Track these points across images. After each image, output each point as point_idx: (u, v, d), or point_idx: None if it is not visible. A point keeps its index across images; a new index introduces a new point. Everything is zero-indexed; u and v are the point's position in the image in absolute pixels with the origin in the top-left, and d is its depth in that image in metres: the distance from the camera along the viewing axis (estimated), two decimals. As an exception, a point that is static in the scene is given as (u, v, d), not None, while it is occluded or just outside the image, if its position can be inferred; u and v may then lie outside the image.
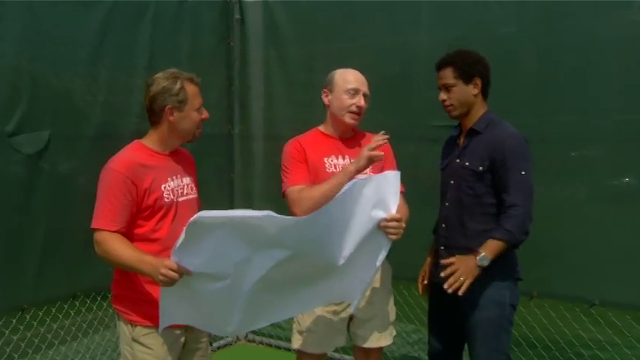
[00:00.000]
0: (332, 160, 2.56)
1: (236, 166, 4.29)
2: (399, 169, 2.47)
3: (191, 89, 2.26)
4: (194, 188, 2.39)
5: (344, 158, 2.58)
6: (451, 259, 2.37)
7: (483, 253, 2.35)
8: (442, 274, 2.35)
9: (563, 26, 3.05)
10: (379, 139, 2.38)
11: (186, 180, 2.35)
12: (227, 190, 4.27)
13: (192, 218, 1.93)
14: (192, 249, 1.97)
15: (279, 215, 1.99)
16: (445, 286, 2.32)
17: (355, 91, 2.56)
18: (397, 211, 2.22)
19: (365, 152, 2.38)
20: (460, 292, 2.31)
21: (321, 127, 2.68)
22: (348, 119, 2.57)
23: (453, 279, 2.32)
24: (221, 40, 4.14)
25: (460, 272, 2.33)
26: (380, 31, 3.59)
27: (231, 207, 4.21)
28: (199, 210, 2.28)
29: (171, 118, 2.25)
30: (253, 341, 4.36)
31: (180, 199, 2.29)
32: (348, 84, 2.56)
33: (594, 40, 2.98)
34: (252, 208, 3.94)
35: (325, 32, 3.83)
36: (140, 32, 3.57)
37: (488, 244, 2.37)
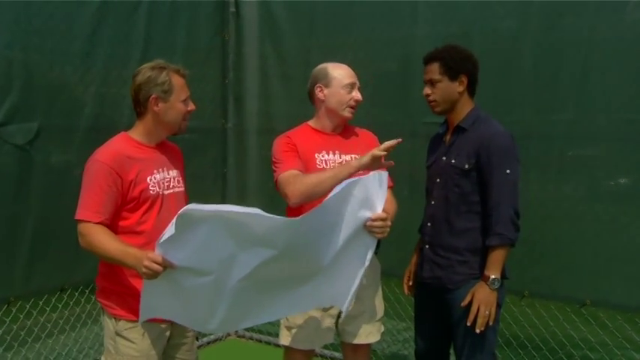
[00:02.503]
0: (323, 156, 2.60)
1: (229, 160, 4.33)
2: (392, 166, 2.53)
3: (177, 80, 2.30)
4: (181, 181, 2.43)
5: (334, 154, 2.62)
6: (467, 300, 2.43)
7: (492, 276, 2.42)
8: (468, 323, 2.40)
9: (563, 23, 3.09)
10: (393, 142, 2.36)
11: (173, 173, 2.39)
12: (220, 184, 4.32)
13: (181, 210, 1.95)
14: (178, 242, 1.99)
15: (268, 214, 2.01)
16: (477, 330, 2.39)
17: (352, 86, 2.63)
18: (383, 210, 2.26)
19: (374, 151, 2.36)
20: (491, 322, 2.41)
21: (311, 123, 2.72)
22: (348, 113, 2.63)
23: (481, 320, 2.39)
24: (216, 34, 4.19)
25: (482, 309, 2.41)
26: (378, 25, 3.63)
27: (224, 201, 4.25)
28: (187, 203, 2.34)
29: (155, 108, 2.29)
30: (243, 336, 4.42)
31: (167, 192, 2.33)
32: (345, 78, 2.62)
33: (595, 38, 3.01)
34: (245, 203, 4.10)
35: (322, 26, 3.87)
36: (134, 24, 3.62)
37: (490, 260, 2.43)
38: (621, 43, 2.96)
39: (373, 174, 2.24)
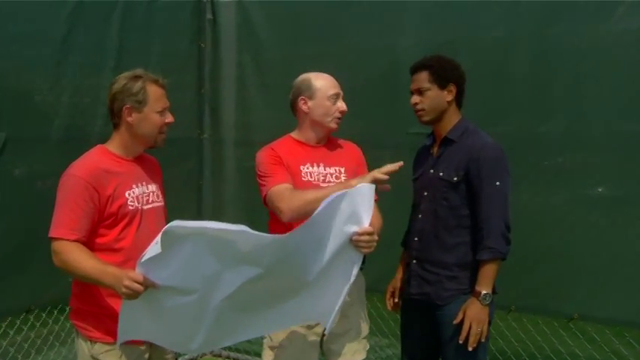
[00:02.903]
0: (308, 169, 2.58)
1: (205, 172, 4.26)
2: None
3: (153, 90, 2.25)
4: (160, 196, 2.39)
5: (318, 166, 2.59)
6: (459, 318, 2.41)
7: (484, 291, 2.40)
8: (460, 341, 2.38)
9: (553, 32, 3.11)
10: (395, 167, 2.33)
11: (152, 187, 2.35)
12: (195, 197, 4.25)
13: (165, 227, 1.91)
14: (161, 261, 1.96)
15: (254, 231, 1.98)
16: (469, 348, 2.37)
17: (337, 96, 2.60)
18: (370, 224, 2.23)
19: (375, 173, 2.34)
20: (483, 339, 2.40)
21: (294, 134, 2.69)
22: (333, 124, 2.61)
23: (472, 338, 2.37)
24: (192, 41, 4.14)
25: (475, 326, 2.38)
26: (361, 34, 3.62)
27: (200, 216, 4.19)
28: (166, 218, 2.29)
29: (129, 119, 2.24)
30: (220, 355, 4.33)
31: (146, 207, 2.29)
32: (330, 89, 2.60)
33: (585, 46, 3.05)
34: (222, 218, 4.04)
35: (303, 35, 3.84)
36: (107, 31, 3.55)
37: (481, 275, 2.42)
38: (612, 51, 2.99)
39: (360, 186, 2.22)
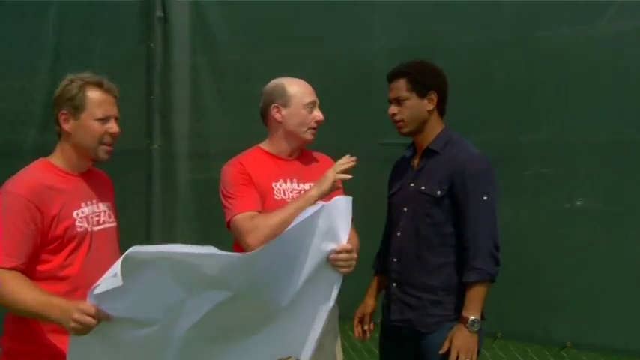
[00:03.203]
0: (280, 185, 2.58)
1: (154, 188, 4.22)
2: (345, 194, 2.52)
3: (95, 95, 2.22)
4: (112, 216, 2.37)
5: (292, 182, 2.60)
6: (445, 347, 2.44)
7: (471, 317, 2.43)
8: None
9: (536, 36, 3.22)
10: (346, 161, 2.40)
11: (103, 206, 2.32)
12: (143, 216, 4.22)
13: (124, 254, 1.88)
14: (116, 290, 1.91)
15: (222, 252, 1.99)
16: None
17: (313, 104, 2.63)
18: (348, 240, 2.26)
19: (330, 174, 2.41)
20: None
21: (264, 146, 2.68)
22: (309, 135, 2.62)
23: None
24: (140, 41, 4.13)
25: (463, 355, 2.42)
26: (328, 37, 3.67)
27: (148, 238, 4.15)
28: (119, 241, 2.27)
29: (66, 126, 2.22)
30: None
31: (96, 229, 2.25)
32: (306, 96, 2.61)
33: (570, 52, 3.16)
34: (173, 238, 3.99)
35: (265, 36, 3.88)
36: (42, 29, 3.50)
37: (468, 299, 2.45)
38: (599, 57, 3.11)
39: (337, 200, 2.23)
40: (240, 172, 2.55)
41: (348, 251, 2.23)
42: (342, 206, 2.22)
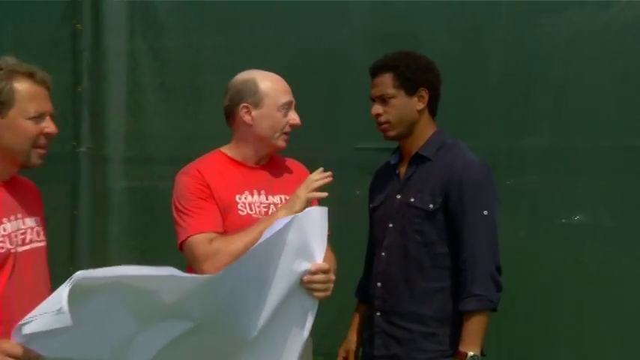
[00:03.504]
0: (246, 198, 2.52)
1: (82, 198, 4.14)
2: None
3: (25, 88, 2.16)
4: (41, 233, 2.31)
5: (259, 194, 2.55)
6: None
7: (470, 353, 2.40)
8: None
9: (538, 24, 3.23)
10: (320, 177, 2.41)
11: (30, 222, 2.26)
12: (67, 233, 4.14)
13: (71, 282, 1.82)
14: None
15: (184, 274, 1.97)
16: None
17: (289, 105, 2.59)
18: (324, 260, 2.24)
19: (302, 193, 2.41)
20: None
21: (227, 150, 2.62)
22: (282, 142, 2.58)
23: None
24: (64, 21, 4.04)
25: None
26: (293, 22, 3.65)
27: (72, 258, 4.10)
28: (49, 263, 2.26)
29: None
30: None
31: (21, 249, 2.18)
32: (281, 96, 2.55)
33: (576, 43, 3.18)
34: (105, 261, 3.88)
35: (218, 20, 3.84)
36: None
37: (466, 331, 2.42)
38: (609, 49, 3.12)
39: (310, 211, 2.23)
40: (199, 183, 2.48)
41: (324, 272, 2.22)
42: (316, 218, 2.20)
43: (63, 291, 1.80)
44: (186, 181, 2.50)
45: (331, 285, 2.25)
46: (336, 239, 3.14)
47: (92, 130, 4.10)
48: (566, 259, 3.22)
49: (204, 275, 2.13)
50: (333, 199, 3.33)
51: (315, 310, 2.25)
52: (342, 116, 3.49)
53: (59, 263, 4.00)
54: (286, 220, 2.15)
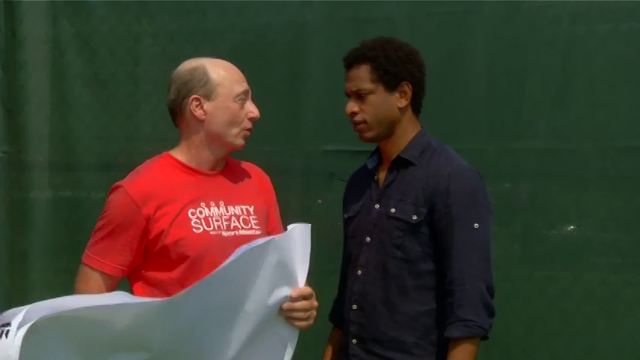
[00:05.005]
0: (201, 213, 2.51)
1: None
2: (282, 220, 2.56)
3: None
4: None
5: (218, 206, 2.55)
6: None
7: None
8: None
9: (534, 8, 3.29)
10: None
11: None
12: None
13: (18, 320, 1.87)
14: None
15: (136, 299, 2.04)
16: None
17: (246, 94, 2.57)
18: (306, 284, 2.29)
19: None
20: None
21: (176, 154, 2.60)
22: (241, 140, 2.58)
23: None
24: None
25: None
26: (246, 3, 3.65)
27: None
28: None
29: None
30: None
31: None
32: (236, 85, 2.55)
33: (578, 31, 3.23)
34: (28, 283, 3.83)
35: (160, 2, 3.81)
36: None
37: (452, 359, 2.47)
38: (615, 36, 3.20)
39: (293, 228, 2.25)
40: (129, 207, 2.46)
41: (306, 297, 2.26)
42: (298, 237, 2.24)
43: (14, 335, 1.85)
44: (113, 201, 2.50)
45: (314, 312, 2.30)
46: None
47: (9, 131, 4.06)
48: (568, 278, 3.26)
49: (160, 299, 2.13)
50: (296, 210, 3.42)
51: (295, 342, 2.29)
52: (307, 114, 3.52)
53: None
54: (262, 240, 2.18)
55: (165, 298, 2.13)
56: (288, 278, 2.23)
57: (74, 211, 3.89)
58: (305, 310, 2.26)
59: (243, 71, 2.59)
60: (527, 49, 3.32)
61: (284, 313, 2.24)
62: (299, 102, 3.56)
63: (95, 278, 2.44)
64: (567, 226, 3.32)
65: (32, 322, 1.87)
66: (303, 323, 2.27)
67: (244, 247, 2.14)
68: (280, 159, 3.49)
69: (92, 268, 2.44)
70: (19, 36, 4.05)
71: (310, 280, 2.90)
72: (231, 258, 2.12)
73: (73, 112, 3.99)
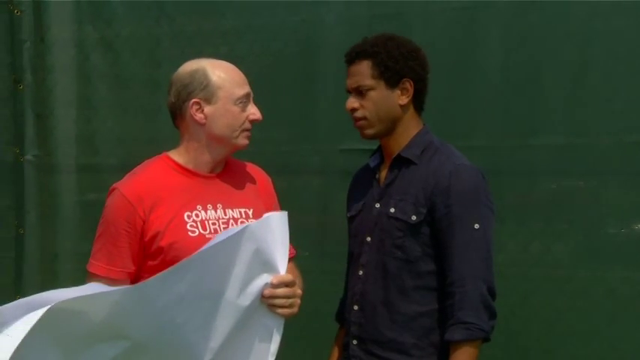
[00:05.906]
0: (197, 216, 2.50)
1: (28, 214, 4.21)
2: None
3: None
4: None
5: (216, 209, 2.54)
6: None
7: None
8: None
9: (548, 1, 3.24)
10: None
11: None
12: (12, 252, 4.25)
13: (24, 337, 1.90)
14: None
15: (111, 288, 2.03)
16: None
17: (247, 97, 2.57)
18: (288, 271, 2.28)
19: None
20: None
21: (174, 155, 2.61)
22: (243, 140, 2.57)
23: None
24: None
25: None
26: (263, 6, 3.65)
27: (20, 280, 4.15)
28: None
29: None
30: None
31: None
32: (237, 88, 2.54)
33: (597, 24, 3.19)
34: (58, 282, 3.91)
35: (179, 5, 3.84)
36: None
37: None
38: (633, 30, 3.15)
39: (269, 216, 2.26)
40: (127, 210, 2.48)
41: (287, 284, 2.25)
42: (275, 225, 2.24)
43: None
44: (110, 204, 2.51)
45: (297, 300, 2.29)
46: (318, 254, 3.24)
47: (38, 135, 4.13)
48: (589, 278, 3.21)
49: (133, 285, 2.17)
50: (313, 209, 3.43)
51: (281, 330, 2.27)
52: (322, 113, 3.51)
53: (0, 289, 4.12)
54: (237, 229, 2.17)
55: (138, 283, 2.16)
56: (268, 266, 2.22)
57: (100, 212, 3.91)
58: (287, 297, 2.25)
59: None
60: (542, 43, 3.27)
61: (266, 300, 2.24)
62: (315, 101, 3.56)
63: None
64: (587, 224, 3.26)
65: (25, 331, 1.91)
66: (286, 310, 2.26)
67: (219, 236, 2.16)
68: (296, 159, 3.51)
69: (99, 276, 2.43)
70: (47, 40, 4.11)
71: (325, 280, 2.94)
72: (207, 245, 2.12)
73: (97, 115, 4.05)
